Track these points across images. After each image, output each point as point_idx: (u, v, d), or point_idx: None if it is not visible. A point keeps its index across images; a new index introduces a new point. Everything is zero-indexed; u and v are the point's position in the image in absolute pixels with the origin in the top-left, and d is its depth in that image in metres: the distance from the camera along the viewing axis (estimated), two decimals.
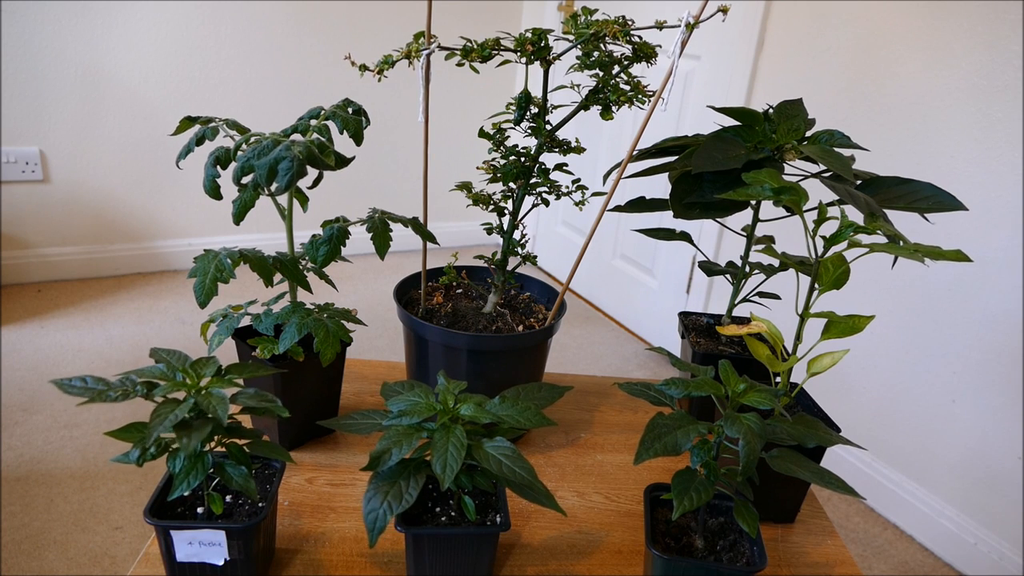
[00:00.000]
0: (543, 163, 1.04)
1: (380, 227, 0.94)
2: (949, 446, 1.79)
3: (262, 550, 0.78)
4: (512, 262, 1.19)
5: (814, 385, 2.05)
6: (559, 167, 1.05)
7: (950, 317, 1.75)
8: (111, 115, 2.61)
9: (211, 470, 0.73)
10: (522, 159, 1.04)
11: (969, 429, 1.74)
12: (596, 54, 0.95)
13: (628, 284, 2.81)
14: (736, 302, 1.16)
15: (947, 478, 1.80)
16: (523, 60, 0.95)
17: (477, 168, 1.07)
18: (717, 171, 0.95)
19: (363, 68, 0.96)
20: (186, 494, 0.78)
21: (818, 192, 1.66)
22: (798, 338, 0.85)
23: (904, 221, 1.71)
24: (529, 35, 0.94)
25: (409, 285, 1.16)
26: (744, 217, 1.46)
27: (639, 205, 1.12)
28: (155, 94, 2.66)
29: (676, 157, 1.03)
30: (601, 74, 0.97)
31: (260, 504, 0.78)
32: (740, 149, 0.96)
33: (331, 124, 0.92)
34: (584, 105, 0.99)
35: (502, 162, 1.04)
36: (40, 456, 1.81)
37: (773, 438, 0.80)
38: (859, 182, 0.99)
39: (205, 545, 0.74)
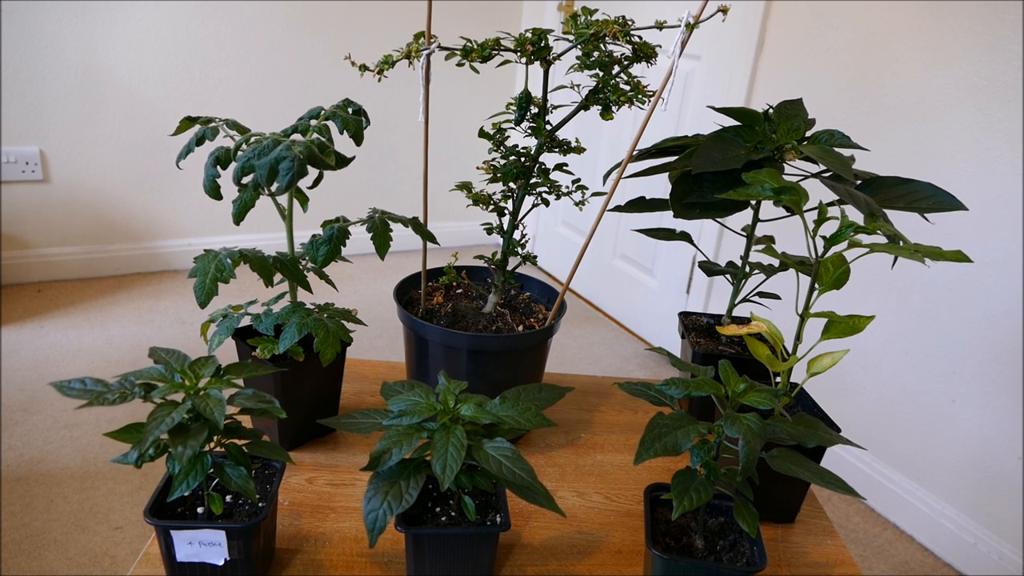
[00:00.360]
0: (543, 163, 1.04)
1: (380, 227, 0.94)
2: (949, 446, 1.79)
3: (262, 550, 0.78)
4: (512, 262, 1.19)
5: (814, 385, 2.05)
6: (559, 167, 1.05)
7: (950, 317, 1.75)
8: (111, 115, 2.61)
9: (210, 471, 0.73)
10: (522, 159, 1.03)
11: (969, 429, 1.74)
12: (596, 54, 0.95)
13: (628, 284, 2.81)
14: (736, 302, 1.16)
15: (947, 478, 1.80)
16: (523, 60, 0.95)
17: (477, 168, 1.07)
18: (717, 171, 0.95)
19: (363, 68, 0.96)
20: (186, 494, 0.78)
21: (818, 192, 1.66)
22: (798, 338, 0.85)
23: (904, 221, 1.71)
24: (529, 35, 0.94)
25: (409, 285, 1.16)
26: (744, 217, 1.46)
27: (639, 205, 1.12)
28: (155, 94, 2.66)
29: (676, 157, 1.03)
30: (601, 74, 0.97)
31: (260, 504, 0.78)
32: (740, 149, 0.96)
33: (331, 124, 0.92)
34: (584, 105, 0.99)
35: (502, 162, 1.04)
36: (40, 456, 1.81)
37: (773, 438, 0.80)
38: (859, 182, 0.99)
39: (205, 545, 0.74)
